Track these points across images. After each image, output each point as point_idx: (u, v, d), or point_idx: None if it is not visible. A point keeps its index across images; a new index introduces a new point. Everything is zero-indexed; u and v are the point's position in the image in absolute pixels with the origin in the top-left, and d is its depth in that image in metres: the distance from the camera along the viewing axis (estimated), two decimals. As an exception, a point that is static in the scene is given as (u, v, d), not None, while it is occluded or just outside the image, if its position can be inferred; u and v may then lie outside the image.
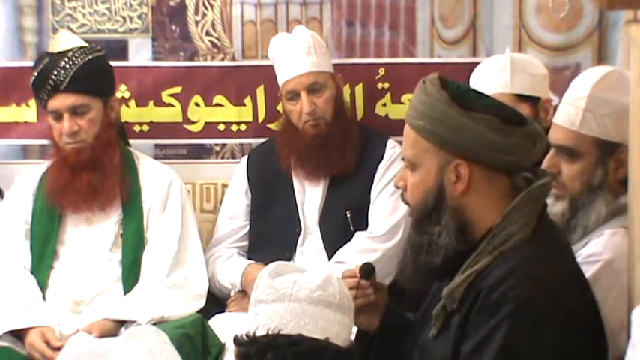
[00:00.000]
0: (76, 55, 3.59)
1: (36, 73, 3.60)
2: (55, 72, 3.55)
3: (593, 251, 2.59)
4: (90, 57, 3.60)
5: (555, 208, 2.65)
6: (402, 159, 2.39)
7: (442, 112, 2.30)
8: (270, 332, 2.12)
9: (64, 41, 3.66)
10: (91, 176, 3.58)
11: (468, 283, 2.25)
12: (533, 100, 3.35)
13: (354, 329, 2.58)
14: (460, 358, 2.22)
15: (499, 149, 2.30)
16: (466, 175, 2.29)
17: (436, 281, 2.36)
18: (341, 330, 2.18)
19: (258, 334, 2.14)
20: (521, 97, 3.37)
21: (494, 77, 3.44)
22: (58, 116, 3.58)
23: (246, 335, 2.15)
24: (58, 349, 3.25)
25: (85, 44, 3.67)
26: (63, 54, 3.59)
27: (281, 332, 2.12)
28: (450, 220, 2.30)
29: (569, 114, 2.75)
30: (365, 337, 2.54)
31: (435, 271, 2.33)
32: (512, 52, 3.67)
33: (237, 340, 2.18)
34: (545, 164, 2.58)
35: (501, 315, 2.17)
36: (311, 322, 2.15)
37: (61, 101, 3.55)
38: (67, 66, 3.56)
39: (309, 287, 2.16)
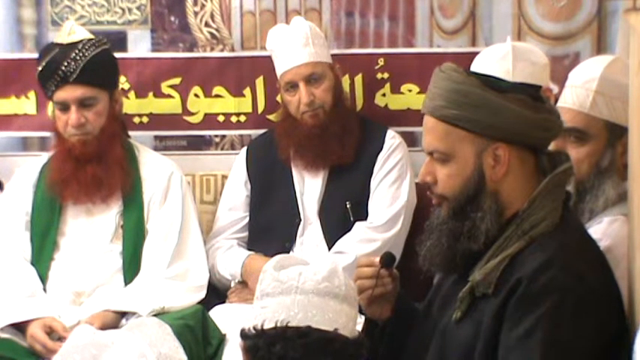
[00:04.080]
0: (86, 47, 3.60)
1: (44, 63, 3.59)
2: (66, 63, 3.55)
3: (593, 238, 2.54)
4: (99, 49, 3.62)
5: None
6: (429, 153, 2.36)
7: (479, 97, 2.31)
8: (278, 325, 2.13)
9: (74, 32, 3.66)
10: (96, 168, 3.59)
11: (503, 267, 2.26)
12: None
13: (361, 319, 2.58)
14: (502, 348, 2.23)
15: (536, 126, 2.33)
16: (506, 157, 2.30)
17: (470, 267, 2.34)
18: (347, 321, 2.19)
19: (266, 326, 2.14)
20: None
21: (495, 66, 3.40)
22: (64, 107, 3.58)
23: (254, 328, 2.16)
24: (63, 339, 3.25)
25: (92, 36, 3.68)
26: (73, 45, 3.59)
27: (289, 324, 2.13)
28: (491, 204, 2.31)
29: (579, 97, 2.79)
30: (374, 327, 2.55)
31: (473, 257, 2.33)
32: (512, 41, 3.63)
33: (244, 334, 2.19)
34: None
35: (544, 307, 2.19)
36: (318, 313, 2.16)
37: (69, 93, 3.56)
38: (78, 58, 3.57)
39: (316, 279, 2.17)
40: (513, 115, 2.31)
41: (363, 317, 2.60)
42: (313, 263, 2.24)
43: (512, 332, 2.21)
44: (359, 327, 2.59)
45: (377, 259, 2.52)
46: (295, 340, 2.13)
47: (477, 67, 3.49)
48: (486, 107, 2.31)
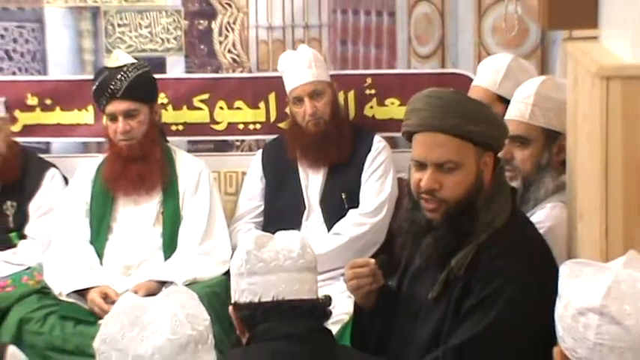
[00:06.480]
0: (130, 69, 3.81)
1: (97, 83, 3.82)
2: (113, 83, 3.77)
3: (538, 220, 2.84)
4: (140, 71, 3.83)
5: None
6: (438, 165, 2.39)
7: (484, 112, 2.44)
8: (272, 299, 2.26)
9: (119, 58, 3.89)
10: (140, 167, 3.80)
11: (473, 254, 2.38)
12: (508, 103, 3.23)
13: (350, 309, 2.75)
14: (462, 312, 2.35)
15: (505, 131, 2.51)
16: (491, 163, 2.44)
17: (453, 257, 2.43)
18: (314, 285, 2.35)
19: (262, 300, 2.27)
20: (501, 99, 3.42)
21: (488, 74, 3.51)
22: (113, 118, 3.80)
23: (251, 302, 2.27)
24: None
25: (135, 60, 3.89)
26: (119, 68, 3.81)
27: (278, 298, 2.26)
28: (486, 202, 2.42)
29: (520, 109, 2.98)
30: (363, 315, 2.65)
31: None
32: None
33: (239, 306, 2.29)
34: (501, 152, 2.69)
35: (501, 281, 2.33)
36: (299, 286, 2.29)
37: (117, 106, 3.78)
38: (123, 78, 3.77)
39: (293, 257, 2.28)
40: (496, 123, 2.48)
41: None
42: (282, 238, 2.32)
43: (470, 301, 2.37)
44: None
45: (372, 260, 2.60)
46: (287, 311, 2.26)
47: (480, 66, 3.61)
48: (484, 120, 2.42)
